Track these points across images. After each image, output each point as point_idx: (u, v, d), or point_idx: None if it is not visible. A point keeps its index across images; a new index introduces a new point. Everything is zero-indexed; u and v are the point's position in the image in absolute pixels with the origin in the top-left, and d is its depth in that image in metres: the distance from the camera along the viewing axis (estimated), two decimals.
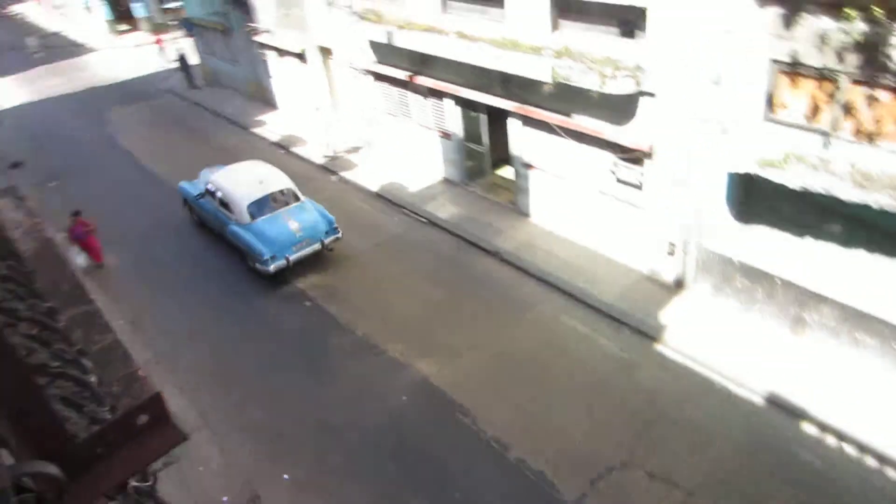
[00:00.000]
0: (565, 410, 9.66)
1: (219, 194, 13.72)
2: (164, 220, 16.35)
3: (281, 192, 13.61)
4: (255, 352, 11.64)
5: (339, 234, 13.49)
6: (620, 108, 10.90)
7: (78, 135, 22.57)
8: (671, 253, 11.22)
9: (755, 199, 9.90)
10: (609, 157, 11.77)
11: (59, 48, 35.47)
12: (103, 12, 35.33)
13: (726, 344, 10.19)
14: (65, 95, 26.87)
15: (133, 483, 2.08)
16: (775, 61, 8.54)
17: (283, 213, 13.24)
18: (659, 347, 10.57)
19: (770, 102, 8.80)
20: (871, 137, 7.97)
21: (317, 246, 13.18)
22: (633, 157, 11.22)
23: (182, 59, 25.59)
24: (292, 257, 12.77)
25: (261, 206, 13.23)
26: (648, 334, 10.75)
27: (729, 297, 10.82)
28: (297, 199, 13.73)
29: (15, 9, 46.31)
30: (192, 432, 9.82)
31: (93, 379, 2.40)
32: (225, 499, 9.02)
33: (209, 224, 14.66)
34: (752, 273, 10.25)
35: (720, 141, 9.58)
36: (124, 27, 35.47)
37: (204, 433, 9.98)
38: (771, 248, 10.00)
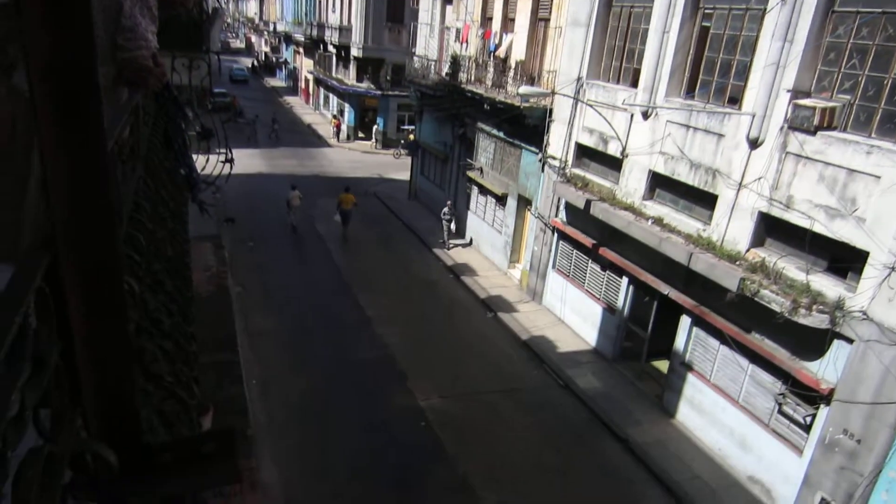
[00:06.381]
0: None
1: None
2: (326, 292, 17.84)
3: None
4: (354, 453, 11.69)
5: None
6: (807, 340, 10.32)
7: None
8: None
9: None
10: (778, 386, 11.02)
11: (301, 134, 41.53)
12: (349, 118, 41.03)
13: None
14: (291, 175, 30.72)
15: None
16: None
17: None
18: None
19: None
20: None
21: None
22: (807, 394, 10.41)
23: (450, 208, 22.94)
24: None
25: None
26: None
27: None
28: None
29: (287, 99, 55.58)
30: None
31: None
32: None
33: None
34: None
35: None
36: (361, 135, 40.76)
37: None
38: None
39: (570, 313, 17.25)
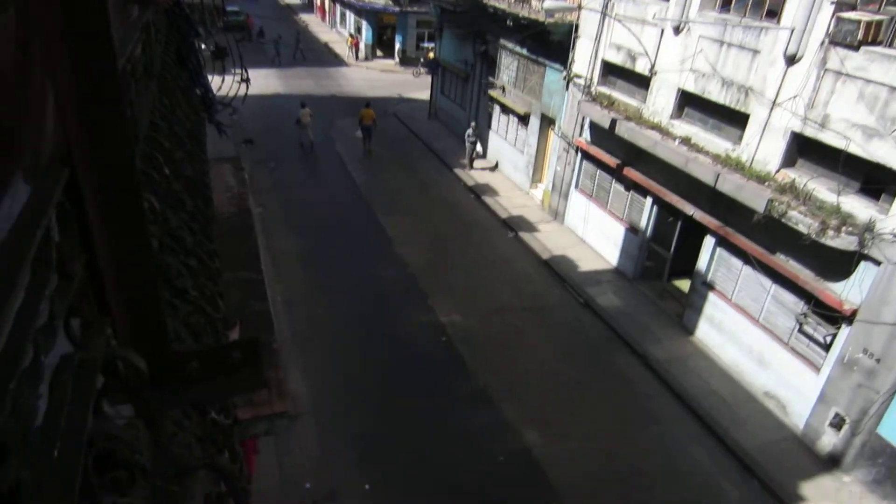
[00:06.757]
0: None
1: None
2: (346, 213, 18.24)
3: None
4: (377, 362, 12.11)
5: None
6: (833, 261, 10.21)
7: None
8: (836, 426, 10.11)
9: None
10: (801, 306, 11.02)
11: (317, 52, 40.55)
12: (367, 35, 39.87)
13: None
14: (308, 95, 30.02)
15: (213, 415, 2.23)
16: None
17: None
18: None
19: None
20: None
21: None
22: (829, 314, 10.40)
23: (475, 130, 22.26)
24: None
25: None
26: (781, 498, 9.73)
27: (889, 496, 9.50)
28: None
29: (303, 17, 53.93)
30: (298, 416, 10.36)
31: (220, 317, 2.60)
32: (307, 485, 9.33)
33: None
34: None
35: None
36: (379, 53, 39.73)
37: (309, 420, 10.49)
38: None
39: (591, 233, 17.21)
